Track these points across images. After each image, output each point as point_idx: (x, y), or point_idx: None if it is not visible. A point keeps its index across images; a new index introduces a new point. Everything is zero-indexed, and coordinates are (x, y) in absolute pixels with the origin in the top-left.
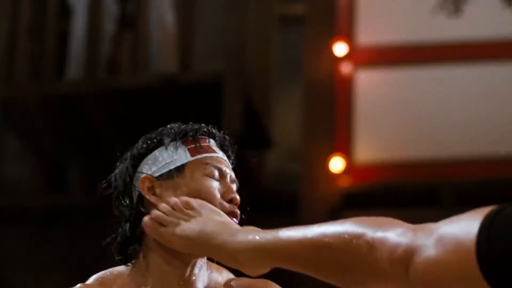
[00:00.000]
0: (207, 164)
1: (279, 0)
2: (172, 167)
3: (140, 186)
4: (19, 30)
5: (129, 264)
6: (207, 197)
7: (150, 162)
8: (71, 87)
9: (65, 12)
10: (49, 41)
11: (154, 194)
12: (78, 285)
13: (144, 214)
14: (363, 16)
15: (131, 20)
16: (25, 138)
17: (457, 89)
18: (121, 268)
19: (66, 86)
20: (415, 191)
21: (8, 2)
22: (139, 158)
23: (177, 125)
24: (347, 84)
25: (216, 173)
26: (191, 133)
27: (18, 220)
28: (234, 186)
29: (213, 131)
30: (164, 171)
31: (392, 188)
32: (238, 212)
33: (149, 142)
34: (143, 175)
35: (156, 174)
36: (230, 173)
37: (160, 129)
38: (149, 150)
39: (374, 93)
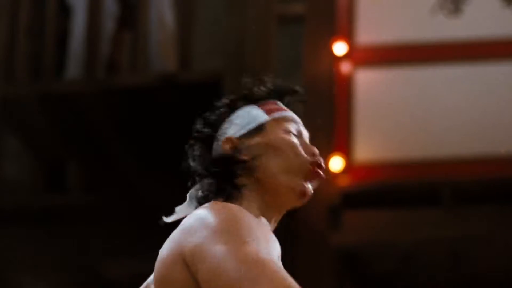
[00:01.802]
0: (285, 121)
1: (278, 0)
2: (252, 126)
3: (224, 148)
4: (19, 29)
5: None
6: (290, 151)
7: (227, 127)
8: (71, 86)
9: (65, 12)
10: (49, 40)
11: (240, 151)
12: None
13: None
14: (363, 16)
15: (131, 19)
16: (24, 137)
17: (456, 89)
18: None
19: (65, 86)
20: (415, 191)
21: (7, 1)
22: (215, 126)
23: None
24: (347, 83)
25: (294, 130)
26: (264, 94)
27: (18, 219)
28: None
29: (285, 91)
30: (244, 131)
31: (391, 188)
32: (322, 161)
33: (221, 110)
34: (224, 137)
35: (237, 135)
36: (305, 132)
37: (226, 100)
38: (223, 118)
39: (374, 93)
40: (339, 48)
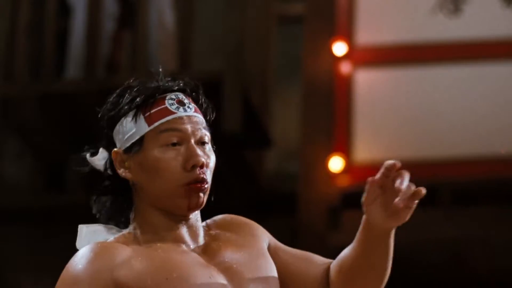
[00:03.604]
0: (164, 131)
1: (278, 0)
2: (133, 140)
3: (114, 161)
4: (19, 29)
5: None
6: (164, 173)
7: (116, 134)
8: (71, 86)
9: (65, 11)
10: (48, 40)
11: (125, 167)
12: (94, 243)
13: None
14: (363, 16)
15: (131, 19)
16: (24, 137)
17: (456, 89)
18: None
19: (65, 86)
20: None
21: (7, 1)
22: (110, 131)
23: (137, 84)
24: (347, 83)
25: (175, 138)
26: (147, 98)
27: (18, 219)
28: (205, 146)
29: (173, 84)
30: (127, 145)
31: None
32: (204, 176)
33: (112, 113)
34: (113, 150)
35: (123, 148)
36: (196, 131)
37: (120, 90)
38: (114, 121)
39: (374, 93)
40: (339, 48)
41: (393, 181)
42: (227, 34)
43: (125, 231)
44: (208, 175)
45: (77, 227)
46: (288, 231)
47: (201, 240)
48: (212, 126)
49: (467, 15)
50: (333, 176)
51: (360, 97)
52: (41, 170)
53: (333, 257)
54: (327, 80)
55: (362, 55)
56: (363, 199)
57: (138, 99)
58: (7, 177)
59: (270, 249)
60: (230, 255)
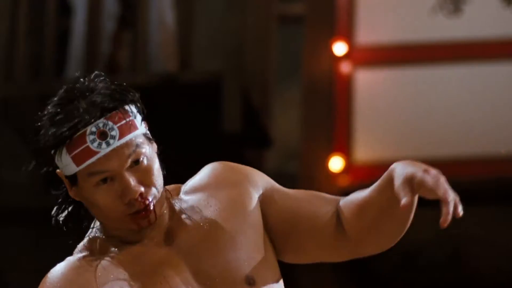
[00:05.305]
0: (91, 174)
1: (278, 0)
2: (68, 174)
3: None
4: (19, 29)
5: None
6: (104, 208)
7: (56, 157)
8: None
9: (65, 11)
10: (49, 40)
11: (71, 190)
12: (64, 263)
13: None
14: (363, 16)
15: (131, 19)
16: (24, 137)
17: (456, 89)
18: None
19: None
20: None
21: (7, 1)
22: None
23: (54, 115)
24: (347, 83)
25: (104, 176)
26: (67, 135)
27: (17, 220)
28: (142, 161)
29: (92, 112)
30: (66, 174)
31: None
32: (145, 202)
33: (43, 139)
34: (57, 170)
35: (65, 174)
36: (124, 161)
37: (45, 117)
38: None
39: (374, 93)
40: (339, 48)
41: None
42: (227, 34)
43: (90, 235)
44: (152, 192)
45: (76, 228)
46: None
47: (164, 226)
48: (211, 126)
49: (467, 15)
50: (333, 176)
51: (360, 97)
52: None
53: None
54: (327, 80)
55: (362, 55)
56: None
57: (61, 135)
58: (7, 177)
59: (265, 197)
60: (188, 237)
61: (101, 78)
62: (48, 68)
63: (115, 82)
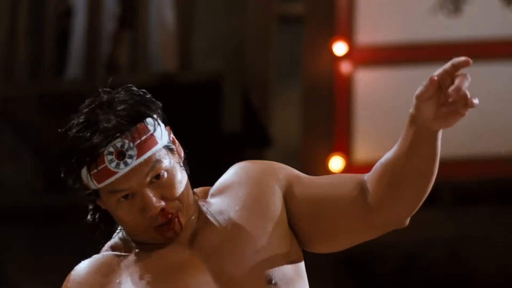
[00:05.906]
0: (112, 192)
1: (278, 0)
2: (91, 190)
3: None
4: (19, 29)
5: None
6: (128, 222)
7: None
8: (71, 86)
9: (65, 11)
10: (49, 40)
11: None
12: (91, 259)
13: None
14: (363, 16)
15: (131, 19)
16: (24, 137)
17: None
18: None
19: (65, 86)
20: None
21: (7, 1)
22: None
23: (74, 139)
24: (347, 83)
25: (125, 194)
26: (89, 158)
27: (17, 219)
28: (162, 176)
29: (110, 130)
30: (90, 188)
31: None
32: (168, 216)
33: (66, 162)
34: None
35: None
36: (144, 178)
37: (67, 145)
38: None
39: (374, 93)
40: (339, 48)
41: (452, 81)
42: (227, 34)
43: (117, 236)
44: (175, 205)
45: (77, 227)
46: None
47: (191, 229)
48: (211, 126)
49: (467, 15)
50: None
51: (360, 97)
52: (41, 170)
53: (333, 256)
54: (327, 80)
55: (362, 55)
56: (417, 93)
57: (81, 159)
58: (7, 177)
59: (288, 189)
60: (211, 238)
61: (124, 90)
62: (48, 68)
63: (138, 93)
